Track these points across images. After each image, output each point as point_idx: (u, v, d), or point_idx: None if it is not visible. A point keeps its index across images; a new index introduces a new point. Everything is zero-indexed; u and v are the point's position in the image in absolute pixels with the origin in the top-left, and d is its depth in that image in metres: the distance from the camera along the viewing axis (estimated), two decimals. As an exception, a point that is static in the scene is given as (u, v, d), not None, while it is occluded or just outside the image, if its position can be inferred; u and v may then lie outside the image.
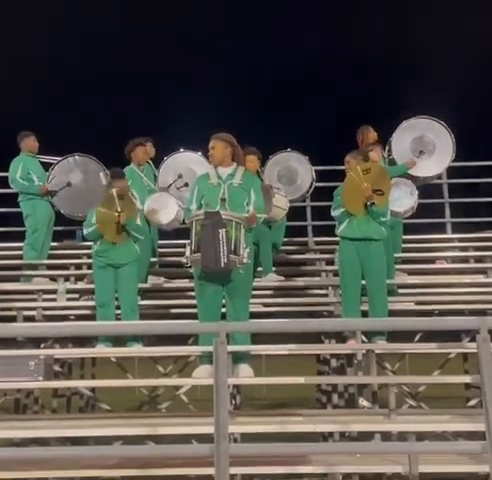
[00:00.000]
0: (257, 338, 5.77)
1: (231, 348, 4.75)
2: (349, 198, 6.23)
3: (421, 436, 5.05)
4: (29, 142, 8.32)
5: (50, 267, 8.27)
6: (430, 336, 6.49)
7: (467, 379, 5.82)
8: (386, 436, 5.00)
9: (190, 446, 4.58)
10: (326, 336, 6.65)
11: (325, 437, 6.12)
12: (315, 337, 6.82)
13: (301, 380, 5.24)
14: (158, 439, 5.15)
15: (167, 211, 7.32)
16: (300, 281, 7.73)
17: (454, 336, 6.65)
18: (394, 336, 6.22)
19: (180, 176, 7.66)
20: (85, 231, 6.66)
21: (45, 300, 7.28)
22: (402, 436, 4.92)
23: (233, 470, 3.48)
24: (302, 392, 9.00)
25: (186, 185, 7.63)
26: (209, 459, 3.97)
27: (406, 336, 6.70)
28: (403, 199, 7.40)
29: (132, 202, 6.71)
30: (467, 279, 7.74)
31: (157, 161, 8.15)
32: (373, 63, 20.24)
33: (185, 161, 7.95)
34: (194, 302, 6.05)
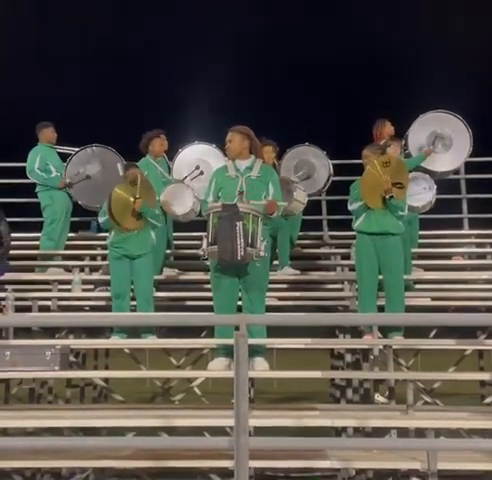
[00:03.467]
0: (268, 331, 5.76)
1: (249, 341, 4.73)
2: (367, 192, 6.18)
3: (436, 432, 5.02)
4: (48, 133, 8.31)
5: (65, 257, 8.29)
6: (445, 332, 6.45)
7: (486, 376, 5.77)
8: (402, 432, 4.97)
9: (209, 439, 4.57)
10: (341, 330, 6.62)
11: (338, 432, 6.09)
12: (328, 331, 6.80)
13: (318, 374, 5.23)
14: (171, 431, 5.15)
15: (183, 202, 7.29)
16: (315, 275, 7.71)
17: (469, 333, 6.61)
18: (408, 332, 6.19)
19: (198, 168, 7.64)
20: (100, 219, 6.65)
21: (60, 290, 7.29)
22: (419, 432, 4.89)
23: (250, 463, 3.45)
24: (313, 386, 8.99)
25: (201, 173, 7.62)
26: (225, 452, 3.96)
27: (421, 332, 6.67)
28: (421, 194, 7.34)
29: (152, 189, 6.67)
30: (484, 275, 7.68)
31: (170, 153, 8.13)
32: (387, 58, 20.13)
33: (200, 153, 7.93)
34: (209, 294, 6.05)
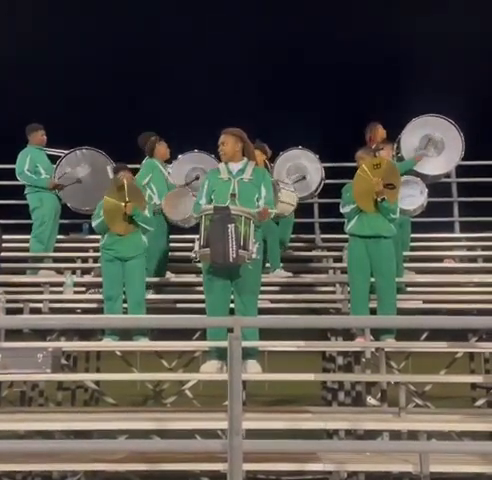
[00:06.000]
0: (260, 334, 5.75)
1: (242, 344, 4.73)
2: (359, 195, 6.20)
3: (428, 435, 5.03)
4: (37, 136, 8.29)
5: (56, 260, 8.26)
6: (436, 335, 6.46)
7: (477, 379, 5.79)
8: (394, 434, 4.98)
9: (202, 441, 4.56)
10: (333, 333, 6.63)
11: (330, 434, 6.09)
12: (320, 334, 6.80)
13: (310, 377, 5.23)
14: (162, 434, 5.14)
15: (184, 207, 7.28)
16: (307, 278, 7.71)
17: (460, 336, 6.63)
18: (400, 334, 6.20)
19: (198, 178, 7.65)
20: (93, 223, 6.64)
21: (52, 293, 7.26)
22: (411, 435, 4.90)
23: (242, 466, 3.45)
24: (305, 389, 8.98)
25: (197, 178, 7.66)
26: (217, 455, 3.95)
27: (412, 335, 6.68)
28: (413, 197, 7.38)
29: (140, 193, 6.70)
30: (475, 278, 7.72)
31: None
32: (383, 62, 20.20)
33: (198, 162, 7.96)
34: (201, 297, 6.04)
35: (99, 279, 6.79)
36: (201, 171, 7.71)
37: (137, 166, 7.72)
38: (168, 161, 7.95)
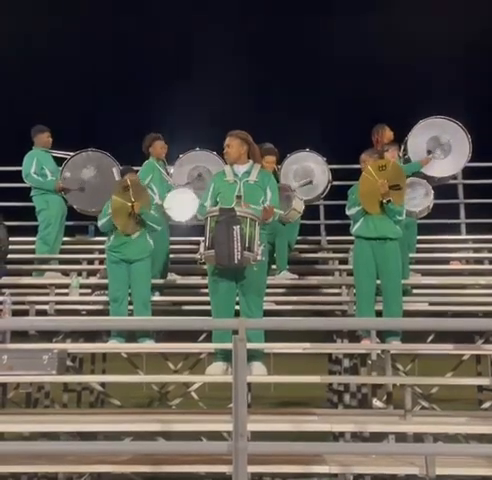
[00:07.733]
0: (265, 336, 5.74)
1: (248, 346, 4.73)
2: (365, 197, 6.19)
3: (434, 438, 5.02)
4: (43, 138, 8.30)
5: (62, 262, 8.27)
6: (442, 337, 6.45)
7: (484, 381, 5.76)
8: (400, 437, 4.97)
9: (208, 443, 4.56)
10: (338, 335, 6.61)
11: (336, 437, 6.08)
12: (326, 336, 6.79)
13: (316, 379, 5.22)
14: (168, 435, 5.14)
15: (187, 208, 7.28)
16: (313, 280, 7.70)
17: (467, 338, 6.61)
18: (406, 336, 6.19)
19: (200, 175, 7.66)
20: (99, 222, 6.64)
21: (57, 295, 7.27)
22: (417, 437, 4.89)
23: (248, 468, 3.44)
24: (310, 391, 8.99)
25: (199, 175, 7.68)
26: (222, 457, 3.95)
27: (418, 337, 6.66)
28: (419, 199, 7.37)
29: (146, 192, 6.71)
30: (481, 280, 7.69)
31: (170, 158, 8.13)
32: (388, 64, 20.22)
33: (200, 160, 7.95)
34: (206, 299, 6.04)
35: (105, 281, 6.79)
36: (203, 169, 7.71)
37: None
38: (168, 161, 7.96)
